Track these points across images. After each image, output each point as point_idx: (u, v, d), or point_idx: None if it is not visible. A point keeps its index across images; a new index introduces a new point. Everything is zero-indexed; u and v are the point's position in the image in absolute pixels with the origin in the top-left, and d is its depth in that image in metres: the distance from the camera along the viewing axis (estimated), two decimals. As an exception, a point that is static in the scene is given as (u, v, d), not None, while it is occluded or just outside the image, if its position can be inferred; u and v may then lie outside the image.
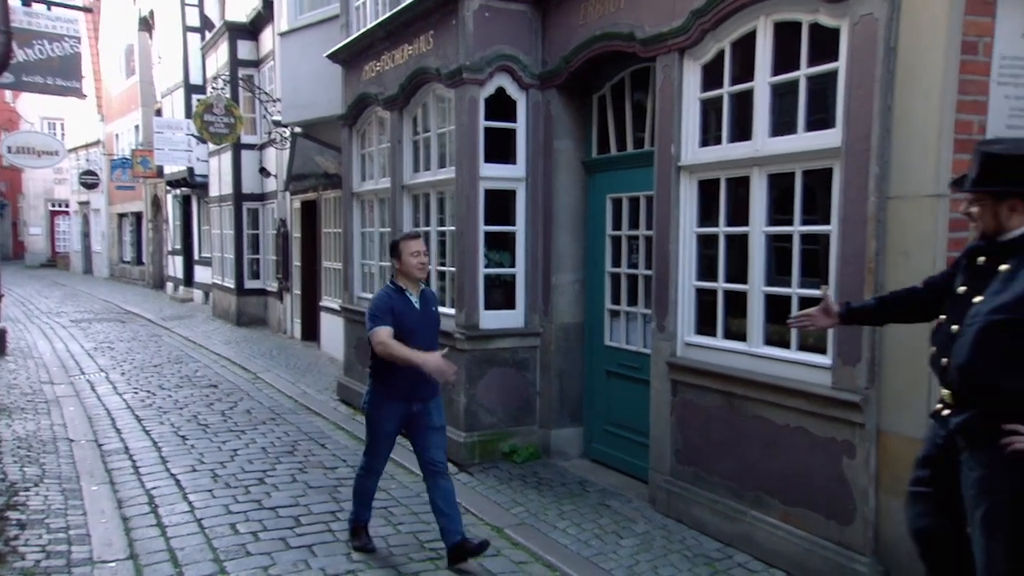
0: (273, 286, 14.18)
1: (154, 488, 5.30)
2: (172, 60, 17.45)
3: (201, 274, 18.57)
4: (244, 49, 13.92)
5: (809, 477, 3.98)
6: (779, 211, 4.32)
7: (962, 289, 2.72)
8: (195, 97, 14.96)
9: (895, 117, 3.49)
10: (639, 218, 5.60)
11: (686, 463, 4.82)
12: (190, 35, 16.47)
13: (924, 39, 3.35)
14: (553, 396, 6.18)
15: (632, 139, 5.72)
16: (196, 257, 19.27)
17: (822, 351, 3.99)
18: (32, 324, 14.42)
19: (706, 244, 4.81)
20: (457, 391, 6.09)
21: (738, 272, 4.52)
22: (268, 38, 12.99)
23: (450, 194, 6.34)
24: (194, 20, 16.52)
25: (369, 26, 7.31)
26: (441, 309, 6.56)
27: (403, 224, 7.10)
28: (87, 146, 27.40)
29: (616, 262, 5.92)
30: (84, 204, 29.39)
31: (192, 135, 13.07)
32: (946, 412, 2.70)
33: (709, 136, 4.74)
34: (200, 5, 16.58)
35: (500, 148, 6.10)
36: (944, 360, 2.70)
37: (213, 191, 16.00)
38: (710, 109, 4.72)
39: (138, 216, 25.15)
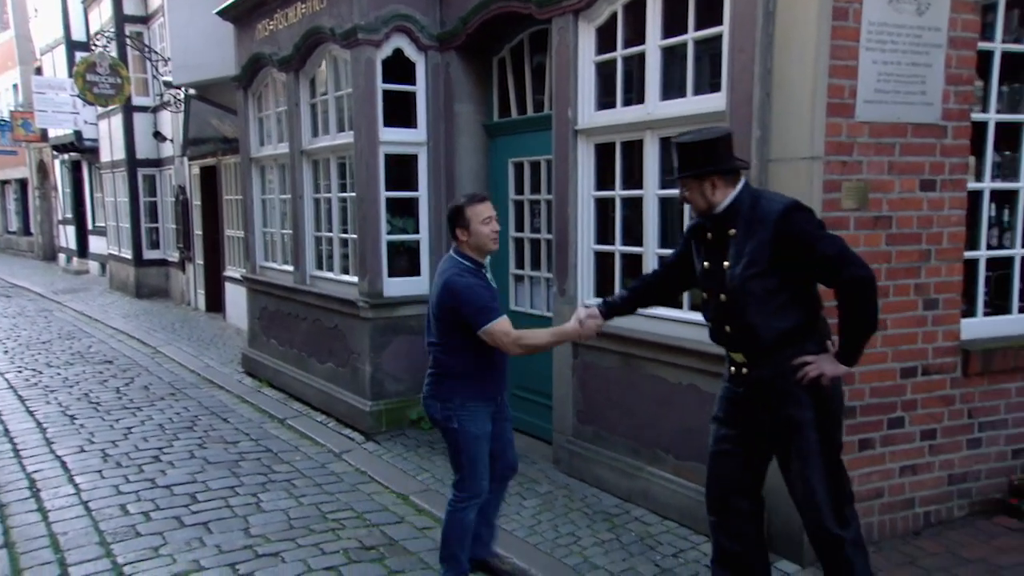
0: (174, 256, 13.59)
1: (36, 471, 5.05)
2: (50, 13, 16.24)
3: (96, 244, 17.61)
4: (131, 4, 13.09)
5: (699, 432, 4.11)
6: (672, 173, 4.39)
7: (707, 264, 2.99)
8: (78, 55, 13.99)
9: (774, 81, 3.58)
10: (540, 182, 5.60)
11: (587, 423, 4.92)
12: (70, -14, 15.39)
13: (799, 4, 3.43)
14: (460, 362, 6.16)
15: (532, 102, 5.69)
16: (90, 227, 18.24)
17: (712, 311, 4.12)
18: (-95, 302, 13.41)
19: (604, 208, 4.86)
20: (362, 360, 6.02)
21: (635, 235, 4.60)
22: (157, -8, 12.26)
23: (351, 159, 6.18)
24: (72, -32, 15.43)
25: (260, -19, 6.98)
26: (343, 277, 6.53)
27: (303, 190, 6.90)
28: (-40, 107, 25.42)
29: (519, 227, 5.92)
30: (-39, 171, 27.33)
31: (77, 96, 12.24)
32: (745, 371, 2.93)
33: (605, 100, 4.76)
34: (79, -47, 15.48)
35: (400, 112, 5.96)
36: (727, 327, 2.93)
37: (105, 156, 15.11)
38: (605, 72, 4.73)
39: (23, 183, 23.58)
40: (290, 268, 7.25)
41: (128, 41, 12.46)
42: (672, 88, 4.29)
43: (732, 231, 2.86)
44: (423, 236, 6.12)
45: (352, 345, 6.19)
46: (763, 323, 2.81)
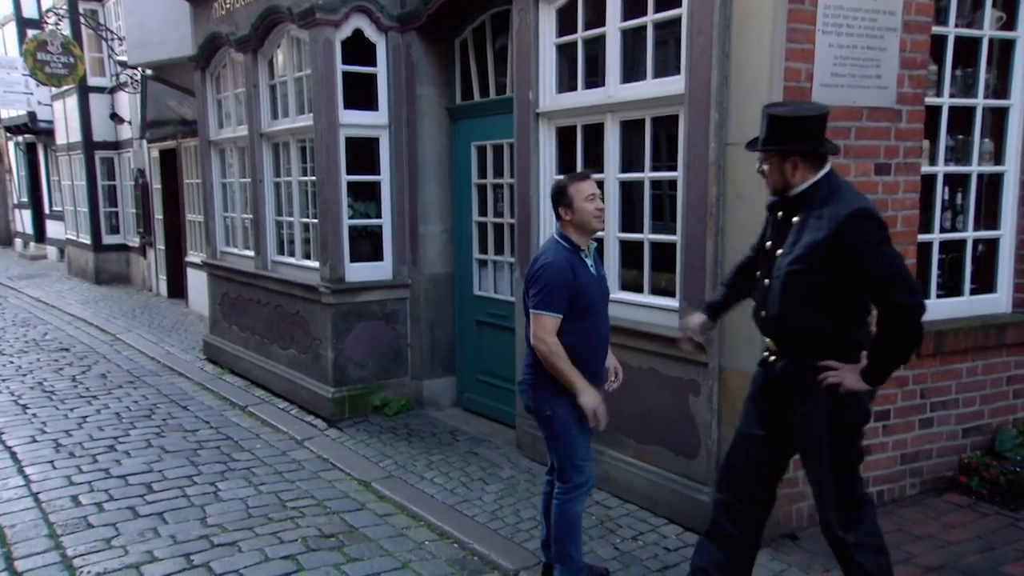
0: (135, 241, 13.31)
1: (-14, 463, 4.93)
2: (0, -12, 15.72)
3: (54, 229, 17.18)
4: (84, -20, 12.70)
5: (659, 416, 4.15)
6: (634, 157, 4.39)
7: (768, 244, 2.90)
8: (29, 32, 13.55)
9: (732, 64, 3.57)
10: (503, 166, 5.56)
11: (550, 407, 4.91)
12: (19, -40, 14.87)
13: (756, -14, 3.43)
14: (424, 347, 6.14)
15: (495, 85, 5.63)
16: (47, 211, 17.78)
17: (671, 295, 4.13)
18: None
19: (566, 192, 4.83)
20: (324, 346, 5.95)
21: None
22: (112, -31, 11.89)
23: (311, 142, 6.07)
24: (22, -57, 14.91)
25: (216, -41, 6.80)
26: (304, 262, 6.44)
27: (264, 174, 6.77)
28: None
29: (483, 211, 5.88)
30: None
31: (28, 75, 11.86)
32: (772, 359, 2.88)
33: (566, 82, 4.72)
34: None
35: (361, 94, 5.87)
36: (763, 312, 2.87)
37: (60, 138, 14.70)
38: (566, 55, 4.69)
39: (-23, 167, 22.84)
40: (251, 253, 7.13)
41: (82, 19, 12.09)
42: (633, 71, 4.27)
43: (796, 219, 2.73)
44: (385, 221, 6.05)
45: (314, 331, 6.12)
46: (797, 318, 2.72)
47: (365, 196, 6.07)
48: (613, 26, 4.20)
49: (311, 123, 5.88)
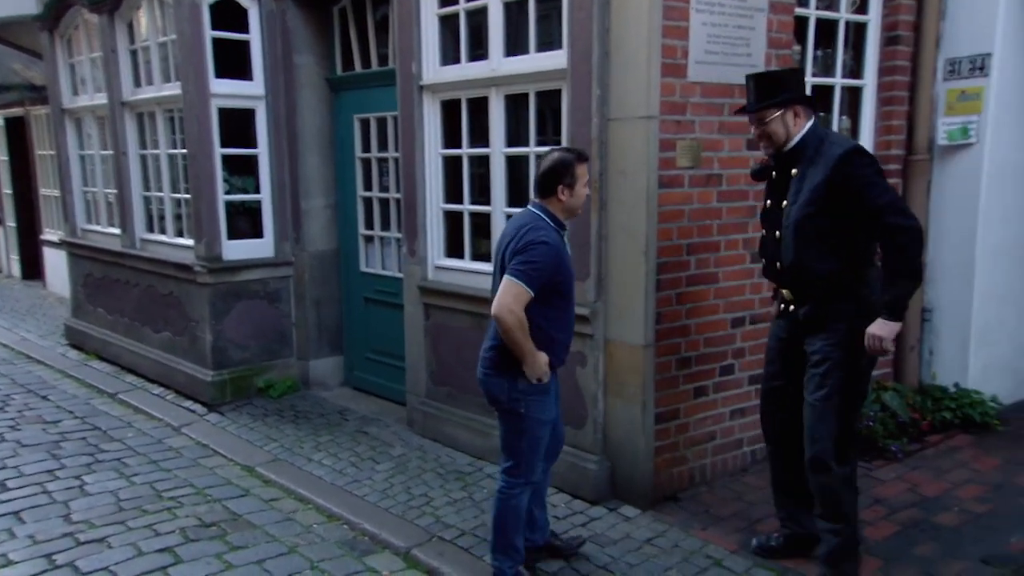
0: (-19, 219, 12.14)
1: None
2: None
3: None
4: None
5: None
6: (520, 132, 4.38)
7: (769, 203, 3.14)
8: None
9: (612, 40, 3.62)
10: (388, 139, 5.43)
11: (440, 384, 4.91)
12: None
13: (634, -37, 3.48)
14: (310, 326, 5.97)
15: (376, 56, 5.48)
16: None
17: (558, 268, 4.17)
18: None
19: (453, 166, 4.79)
20: (202, 327, 5.67)
21: (484, 194, 4.56)
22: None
23: (180, 112, 5.71)
24: None
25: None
26: (177, 240, 6.09)
27: (128, 146, 6.32)
28: None
29: (368, 185, 5.74)
30: None
31: None
32: (792, 308, 3.11)
33: (450, 55, 4.65)
34: None
35: (234, 62, 5.56)
36: (777, 264, 3.09)
37: None
38: (449, 26, 4.61)
39: None
40: (117, 231, 6.67)
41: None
42: (517, 44, 4.25)
43: (794, 171, 2.97)
44: (265, 196, 5.80)
45: (190, 312, 5.81)
46: (811, 262, 2.93)
47: (243, 170, 5.79)
48: (496, -2, 4.16)
49: (179, 92, 5.52)
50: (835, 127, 4.53)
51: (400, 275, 5.38)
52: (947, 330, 4.87)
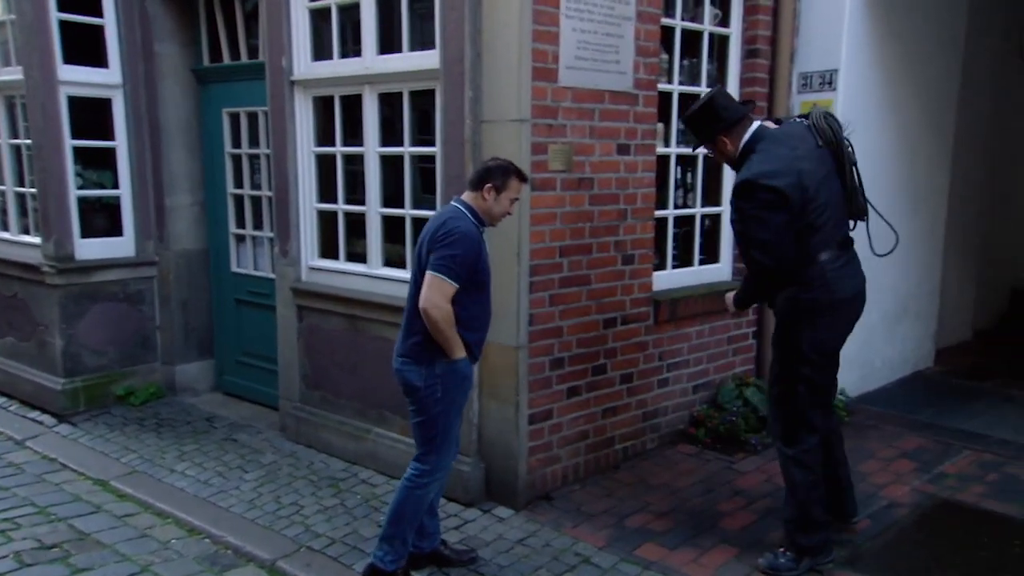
0: None
1: None
2: None
3: None
4: None
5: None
6: (395, 131, 4.32)
7: None
8: None
9: (484, 42, 3.62)
10: (259, 135, 5.23)
11: (314, 388, 4.77)
12: None
13: (503, -33, 3.49)
14: (176, 329, 5.66)
15: (247, 48, 5.26)
16: None
17: (433, 269, 4.13)
18: None
19: (326, 164, 4.66)
20: (51, 332, 5.27)
21: (358, 193, 4.47)
22: None
23: (24, 100, 5.27)
24: None
25: None
26: (22, 238, 5.63)
27: (-34, 135, 5.78)
28: None
29: (239, 182, 5.51)
30: None
31: None
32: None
33: (323, 50, 4.52)
34: None
35: (88, 48, 5.19)
36: None
37: None
38: (321, 21, 4.48)
39: None
40: (-47, 228, 6.09)
41: None
42: (391, 42, 4.17)
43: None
44: (124, 192, 5.45)
45: (38, 316, 5.38)
46: (748, 263, 3.25)
47: (99, 164, 5.41)
48: (368, -6, 4.08)
49: (21, 77, 5.10)
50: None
51: (273, 276, 5.19)
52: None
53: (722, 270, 5.00)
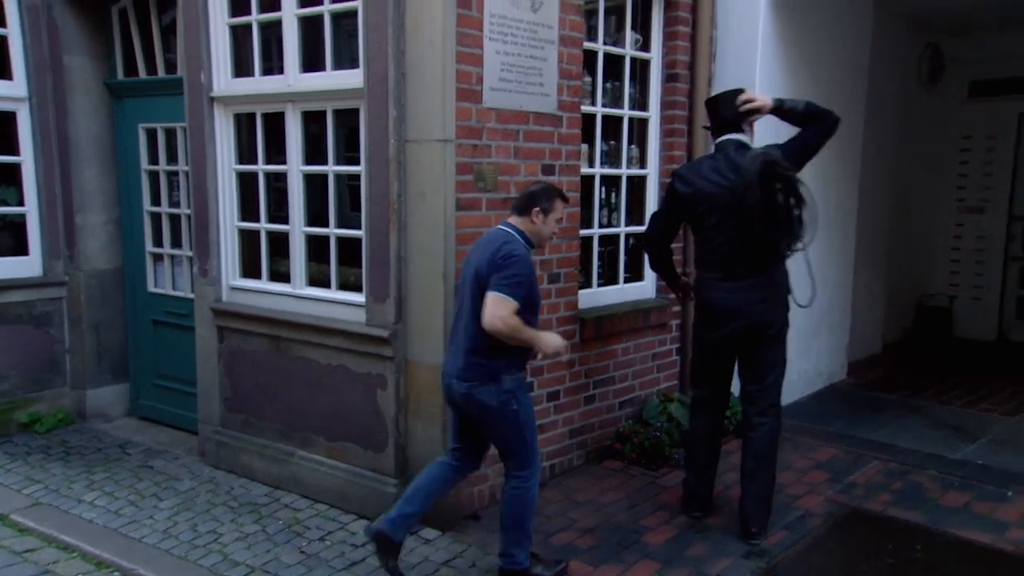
0: None
1: None
2: None
3: None
4: None
5: (350, 412, 4.11)
6: (321, 149, 4.26)
7: None
8: None
9: (408, 62, 3.63)
10: (178, 151, 5.08)
11: (236, 411, 4.63)
12: None
13: (426, -12, 3.51)
14: (88, 352, 5.42)
15: (164, 62, 5.12)
16: None
17: (359, 289, 4.09)
18: None
19: (248, 183, 4.56)
20: (-51, 358, 4.96)
21: (282, 212, 4.39)
22: None
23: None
24: None
25: None
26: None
27: None
28: None
29: (156, 200, 5.34)
30: None
31: None
32: None
33: (244, 67, 4.44)
34: None
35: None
36: None
37: None
38: (242, 37, 4.41)
39: None
40: None
41: None
42: (314, 60, 4.13)
43: None
44: (31, 209, 5.21)
45: (-67, 341, 5.07)
46: None
47: (3, 180, 5.16)
48: (290, 12, 4.03)
49: (-85, 88, 4.84)
50: (625, 155, 4.84)
51: (192, 296, 5.03)
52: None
53: (646, 288, 5.10)
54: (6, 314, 5.10)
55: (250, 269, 4.60)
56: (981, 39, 7.39)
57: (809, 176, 4.10)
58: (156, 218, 5.35)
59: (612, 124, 4.75)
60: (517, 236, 3.17)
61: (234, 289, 4.60)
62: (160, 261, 5.40)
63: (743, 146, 3.61)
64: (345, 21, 3.99)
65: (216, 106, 4.43)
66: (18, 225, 5.22)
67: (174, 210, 5.24)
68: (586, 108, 4.41)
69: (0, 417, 5.07)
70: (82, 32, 5.15)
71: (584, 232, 4.56)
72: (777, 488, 4.09)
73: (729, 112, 3.66)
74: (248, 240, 4.60)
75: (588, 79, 4.45)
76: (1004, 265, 7.75)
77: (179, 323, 5.25)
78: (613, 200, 4.90)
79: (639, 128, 4.96)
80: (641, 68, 4.88)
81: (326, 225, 4.19)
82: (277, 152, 4.37)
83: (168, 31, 5.03)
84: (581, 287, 4.56)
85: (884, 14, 6.17)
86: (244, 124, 4.51)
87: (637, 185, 5.01)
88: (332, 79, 3.98)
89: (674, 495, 4.16)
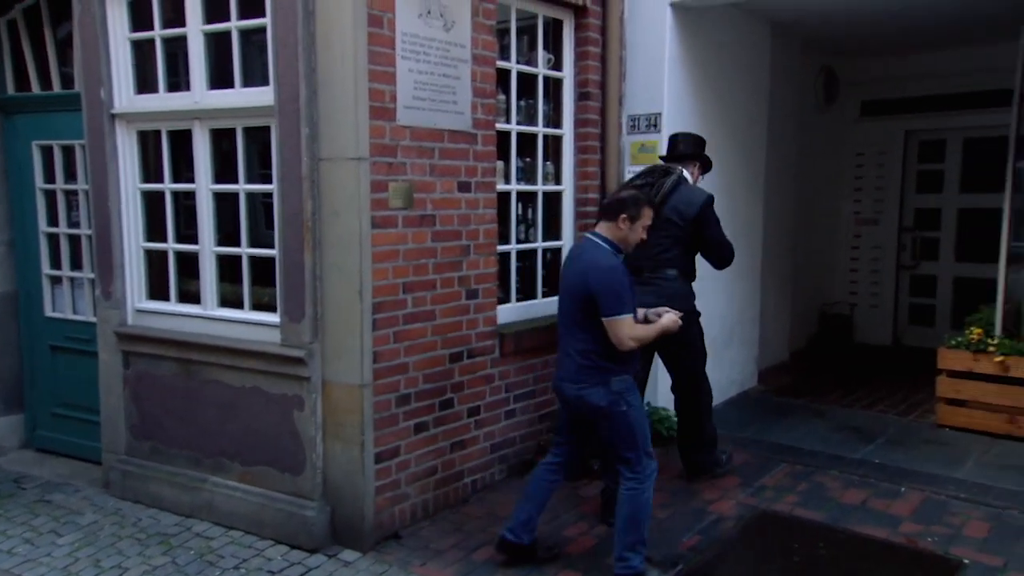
0: None
1: None
2: None
3: None
4: None
5: (265, 435, 4.01)
6: (232, 167, 4.16)
7: None
8: None
9: (320, 80, 3.60)
10: (77, 170, 4.87)
11: (143, 438, 4.44)
12: None
13: (334, 5, 3.49)
14: (-22, 382, 5.09)
15: (60, 76, 4.90)
16: None
17: (273, 309, 4.01)
18: None
19: (154, 201, 4.40)
20: None
21: (190, 232, 4.25)
22: None
23: None
24: None
25: None
26: None
27: None
28: None
29: (53, 220, 5.09)
30: None
31: None
32: None
33: (148, 83, 4.30)
34: None
35: None
36: None
37: None
38: (145, 52, 4.27)
39: None
40: None
41: None
42: (222, 77, 4.04)
43: None
44: (-86, 230, 4.88)
45: None
46: None
47: None
48: (195, 28, 3.93)
49: None
50: (540, 171, 4.92)
51: (95, 320, 4.81)
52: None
53: (563, 302, 5.17)
54: None
55: (158, 291, 4.44)
56: (870, 62, 7.89)
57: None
58: (54, 239, 5.10)
59: (527, 141, 4.83)
60: (605, 245, 3.32)
61: (140, 312, 4.43)
62: (59, 284, 5.15)
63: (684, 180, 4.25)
64: (255, 37, 3.92)
65: (118, 123, 4.28)
66: (-102, 248, 4.88)
67: (73, 231, 5.01)
68: (501, 126, 4.47)
69: None
70: (-32, 44, 4.90)
71: (501, 248, 4.60)
72: (692, 493, 4.22)
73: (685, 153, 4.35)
74: (155, 261, 4.44)
75: (502, 97, 4.52)
76: (896, 274, 8.24)
77: (80, 348, 5.00)
78: (530, 216, 4.98)
79: (554, 145, 5.06)
80: (554, 87, 4.98)
81: (238, 244, 4.10)
82: (187, 168, 4.25)
83: (64, 44, 4.82)
84: (499, 302, 4.59)
85: (781, 37, 6.50)
86: (150, 141, 4.36)
87: (553, 201, 5.09)
88: (241, 96, 3.91)
89: (593, 505, 4.22)
